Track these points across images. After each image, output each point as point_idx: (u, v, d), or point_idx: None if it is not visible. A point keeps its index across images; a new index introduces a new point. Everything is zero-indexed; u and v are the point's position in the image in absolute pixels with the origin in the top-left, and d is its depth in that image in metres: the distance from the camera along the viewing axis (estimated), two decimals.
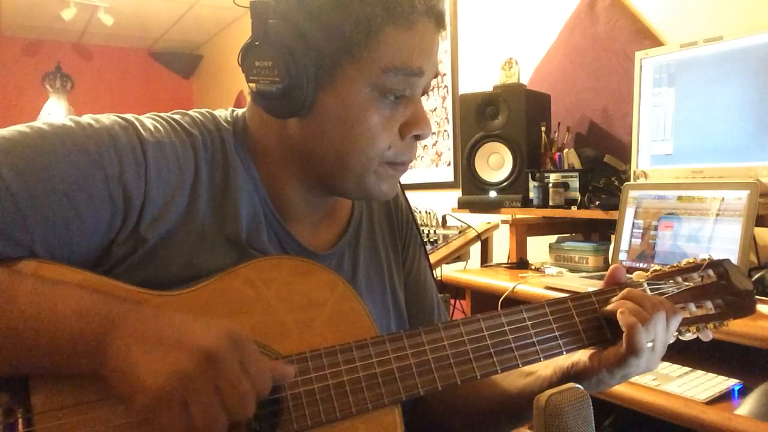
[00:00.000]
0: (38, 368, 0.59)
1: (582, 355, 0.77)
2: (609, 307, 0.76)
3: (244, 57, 0.69)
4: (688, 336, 0.80)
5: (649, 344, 0.73)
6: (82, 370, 0.58)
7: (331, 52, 0.68)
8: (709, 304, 0.81)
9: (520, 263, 1.94)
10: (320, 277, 0.72)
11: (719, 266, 0.83)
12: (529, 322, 0.74)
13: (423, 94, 0.75)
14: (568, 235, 2.04)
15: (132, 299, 0.62)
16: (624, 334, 0.72)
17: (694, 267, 0.83)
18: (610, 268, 0.82)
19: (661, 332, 0.74)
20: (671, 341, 0.78)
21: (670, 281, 0.82)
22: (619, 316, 0.73)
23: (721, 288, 0.82)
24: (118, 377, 0.57)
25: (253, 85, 0.69)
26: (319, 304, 0.70)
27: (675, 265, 0.84)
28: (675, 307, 0.77)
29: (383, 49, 0.67)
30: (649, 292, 0.79)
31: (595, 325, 0.76)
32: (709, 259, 0.84)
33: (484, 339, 0.72)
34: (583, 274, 1.72)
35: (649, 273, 0.83)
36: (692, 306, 0.80)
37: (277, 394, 0.63)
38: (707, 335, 0.81)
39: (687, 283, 0.81)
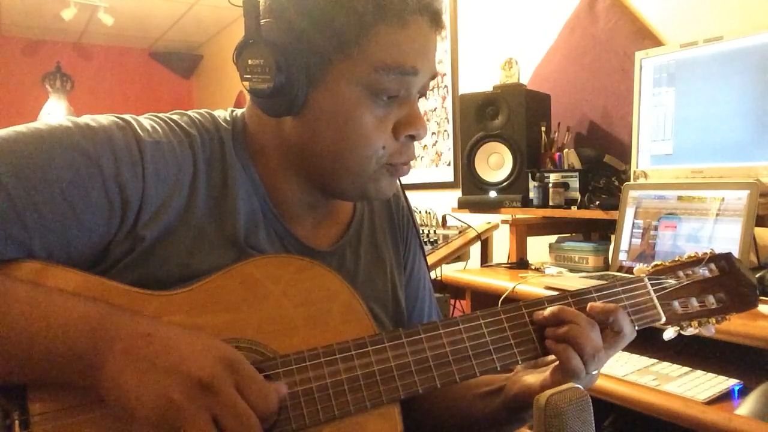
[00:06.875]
0: (32, 379, 0.58)
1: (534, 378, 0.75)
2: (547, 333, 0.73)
3: (239, 56, 0.69)
4: (690, 331, 0.79)
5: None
6: (78, 383, 0.58)
7: (323, 49, 0.67)
8: (711, 299, 0.80)
9: (520, 263, 1.94)
10: (322, 274, 0.72)
11: (722, 260, 0.82)
12: (527, 318, 0.74)
13: (421, 97, 0.74)
14: (568, 235, 2.04)
15: (127, 309, 0.61)
16: (559, 365, 0.71)
17: (696, 261, 0.82)
18: None
19: (594, 347, 0.70)
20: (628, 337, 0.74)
21: (672, 276, 0.81)
22: (548, 344, 0.71)
23: (724, 282, 0.81)
24: (113, 400, 0.57)
25: (246, 83, 0.69)
26: (323, 300, 0.70)
27: (677, 259, 0.83)
28: (612, 309, 0.73)
29: (375, 47, 0.67)
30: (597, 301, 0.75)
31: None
32: (711, 252, 0.83)
33: (483, 336, 0.71)
34: (583, 274, 1.72)
35: (650, 268, 0.82)
36: (694, 300, 0.79)
37: None
38: (709, 330, 0.79)
39: (689, 278, 0.81)
